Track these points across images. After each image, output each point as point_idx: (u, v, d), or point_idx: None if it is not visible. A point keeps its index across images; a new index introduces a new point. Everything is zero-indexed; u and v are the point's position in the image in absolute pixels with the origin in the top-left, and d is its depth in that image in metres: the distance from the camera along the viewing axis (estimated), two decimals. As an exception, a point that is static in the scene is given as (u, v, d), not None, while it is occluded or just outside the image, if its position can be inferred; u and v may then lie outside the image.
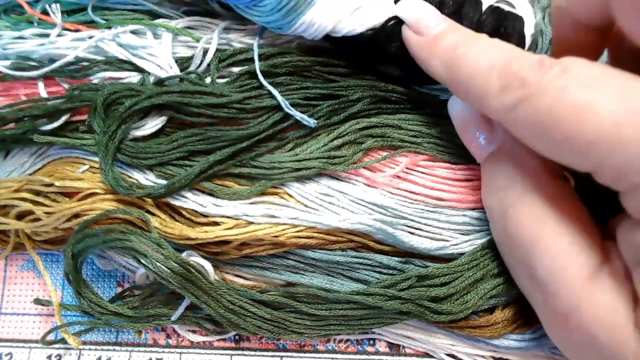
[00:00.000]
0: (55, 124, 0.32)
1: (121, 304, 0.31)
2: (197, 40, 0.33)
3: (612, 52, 0.29)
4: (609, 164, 0.20)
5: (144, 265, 0.29)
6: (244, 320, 0.30)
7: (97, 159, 0.32)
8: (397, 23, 0.30)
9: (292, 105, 0.31)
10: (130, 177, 0.32)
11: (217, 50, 0.33)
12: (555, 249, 0.23)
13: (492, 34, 0.31)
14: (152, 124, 0.32)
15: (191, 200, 0.31)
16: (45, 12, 0.34)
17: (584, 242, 0.23)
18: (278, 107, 0.31)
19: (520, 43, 0.31)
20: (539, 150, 0.23)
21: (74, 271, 0.30)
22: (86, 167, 0.32)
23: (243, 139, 0.31)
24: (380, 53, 0.31)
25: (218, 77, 0.33)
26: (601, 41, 0.27)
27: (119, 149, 0.31)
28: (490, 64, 0.24)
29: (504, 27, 0.31)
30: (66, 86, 0.33)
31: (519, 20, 0.31)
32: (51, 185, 0.31)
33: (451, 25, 0.28)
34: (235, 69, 0.33)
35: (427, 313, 0.29)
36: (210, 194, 0.31)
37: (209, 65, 0.33)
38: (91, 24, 0.34)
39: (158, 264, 0.29)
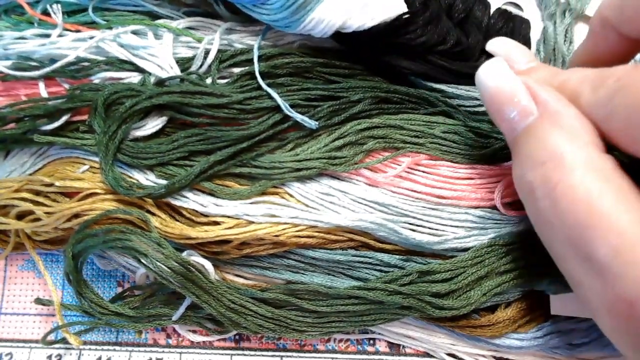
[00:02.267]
0: (56, 124, 0.32)
1: (122, 304, 0.31)
2: (199, 41, 0.33)
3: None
4: None
5: (144, 265, 0.29)
6: (245, 319, 0.30)
7: (97, 159, 0.32)
8: (410, 14, 0.30)
9: (293, 106, 0.31)
10: (130, 177, 0.32)
11: (218, 50, 0.33)
12: (620, 227, 0.21)
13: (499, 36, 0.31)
14: (153, 124, 0.32)
15: (192, 200, 0.31)
16: (46, 13, 0.35)
17: None
18: (278, 108, 0.31)
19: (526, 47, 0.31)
20: (635, 144, 0.22)
21: (75, 271, 0.30)
22: (86, 167, 0.32)
23: (243, 139, 0.31)
24: (389, 45, 0.31)
25: (219, 78, 0.33)
26: (634, 50, 0.27)
27: (119, 149, 0.31)
28: (583, 75, 0.24)
29: (511, 30, 0.31)
30: (67, 86, 0.33)
31: (526, 24, 0.32)
32: (51, 185, 0.31)
33: (541, 64, 0.28)
34: (236, 70, 0.33)
35: (429, 308, 0.29)
36: (211, 193, 0.31)
37: (210, 66, 0.33)
38: (92, 24, 0.34)
39: (158, 263, 0.29)
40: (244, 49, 0.33)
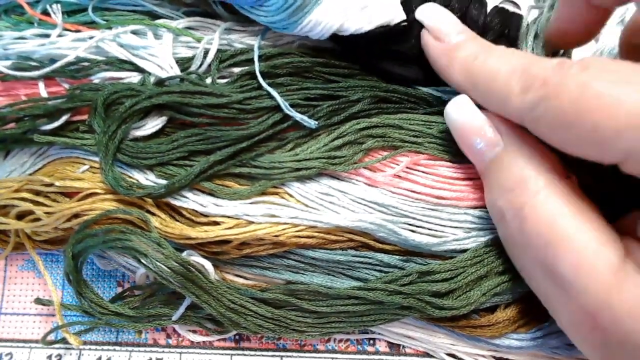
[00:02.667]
0: (56, 124, 0.32)
1: (122, 304, 0.31)
2: (199, 41, 0.33)
3: (625, 48, 0.30)
4: (637, 152, 0.21)
5: (144, 265, 0.29)
6: (245, 320, 0.30)
7: (97, 159, 0.32)
8: (408, 23, 0.30)
9: (292, 105, 0.31)
10: (130, 177, 0.32)
11: (218, 50, 0.33)
12: (580, 244, 0.23)
13: (498, 36, 0.31)
14: (152, 124, 0.32)
15: (191, 200, 0.31)
16: (45, 13, 0.35)
17: (606, 236, 0.23)
18: (278, 108, 0.31)
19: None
20: (561, 145, 0.23)
21: (75, 271, 0.30)
22: (86, 167, 0.32)
23: (243, 139, 0.31)
24: (386, 51, 0.31)
25: (219, 78, 0.33)
26: (602, 20, 0.28)
27: (119, 149, 0.31)
28: (511, 69, 0.25)
29: (509, 28, 0.31)
30: (67, 86, 0.33)
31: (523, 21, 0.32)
32: (51, 185, 0.31)
33: (471, 36, 0.29)
34: (236, 70, 0.33)
35: (429, 308, 0.29)
36: (211, 193, 0.31)
37: (209, 65, 0.33)
38: (92, 24, 0.34)
39: (158, 263, 0.29)
40: (243, 49, 0.33)
